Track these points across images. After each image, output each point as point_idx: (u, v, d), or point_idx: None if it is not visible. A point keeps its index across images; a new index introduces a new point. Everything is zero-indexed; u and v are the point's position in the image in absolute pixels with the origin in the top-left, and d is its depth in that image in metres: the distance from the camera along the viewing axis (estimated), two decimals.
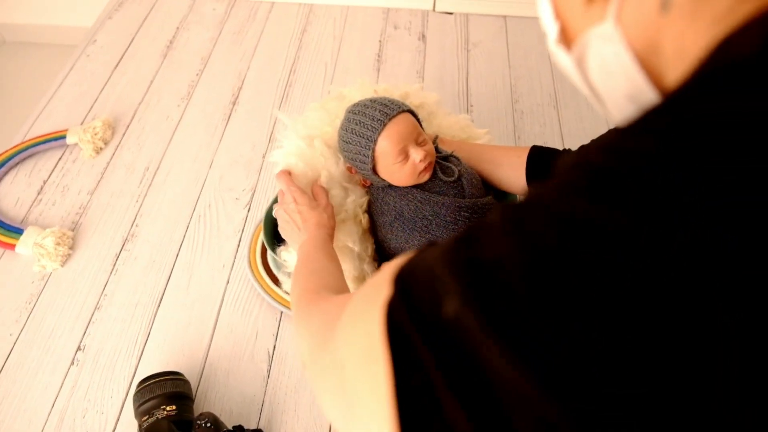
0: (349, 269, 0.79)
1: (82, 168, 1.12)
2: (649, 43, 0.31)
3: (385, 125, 0.75)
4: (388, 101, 0.78)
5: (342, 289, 0.63)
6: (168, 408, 0.72)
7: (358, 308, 0.34)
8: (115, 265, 0.97)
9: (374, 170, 0.78)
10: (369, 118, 0.76)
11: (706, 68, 0.27)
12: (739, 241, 0.21)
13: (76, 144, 1.15)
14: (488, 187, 0.87)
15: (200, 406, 0.81)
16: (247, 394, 0.82)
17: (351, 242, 0.79)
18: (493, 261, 0.24)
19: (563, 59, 0.38)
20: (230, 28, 1.44)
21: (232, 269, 0.96)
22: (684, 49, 0.29)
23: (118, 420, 0.80)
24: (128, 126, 1.20)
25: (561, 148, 0.85)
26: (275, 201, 0.85)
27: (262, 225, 0.94)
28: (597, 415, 0.21)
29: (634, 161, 0.24)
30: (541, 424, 0.21)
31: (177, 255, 0.98)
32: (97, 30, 1.43)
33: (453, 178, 0.79)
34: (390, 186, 0.80)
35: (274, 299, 0.89)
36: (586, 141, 0.75)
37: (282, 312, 0.91)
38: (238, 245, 1.00)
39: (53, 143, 1.14)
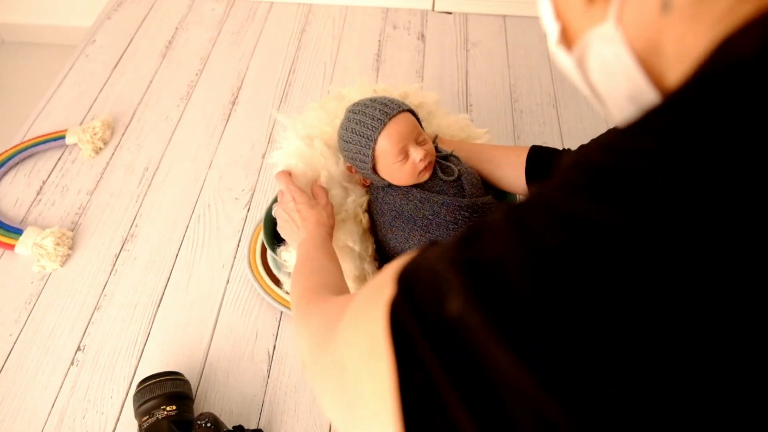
0: (349, 269, 0.79)
1: (81, 168, 1.12)
2: (650, 43, 0.31)
3: (385, 124, 0.75)
4: (388, 101, 0.78)
5: (341, 288, 0.63)
6: (168, 408, 0.72)
7: (360, 309, 0.34)
8: (114, 265, 0.97)
9: (374, 169, 0.78)
10: (369, 118, 0.76)
11: (707, 69, 0.27)
12: (739, 241, 0.21)
13: (75, 144, 1.15)
14: (488, 187, 0.87)
15: (200, 406, 0.81)
16: (247, 394, 0.82)
17: (351, 242, 0.79)
18: (495, 260, 0.24)
19: (564, 60, 0.38)
20: (229, 28, 1.44)
21: (231, 269, 0.96)
22: (684, 50, 0.29)
23: (118, 420, 0.80)
24: (127, 126, 1.20)
25: (560, 148, 0.85)
26: (275, 201, 0.85)
27: (261, 225, 0.94)
28: (597, 415, 0.21)
29: (634, 161, 0.24)
30: (542, 423, 0.21)
31: (176, 255, 0.98)
32: (96, 30, 1.43)
33: (453, 178, 0.79)
34: (390, 185, 0.80)
35: (274, 299, 0.89)
36: (586, 140, 0.75)
37: (282, 312, 0.91)
38: (238, 245, 1.00)
39: (52, 143, 1.14)
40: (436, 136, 0.86)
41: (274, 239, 0.88)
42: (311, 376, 0.45)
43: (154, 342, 0.88)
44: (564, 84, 1.28)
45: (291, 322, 0.89)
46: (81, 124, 1.20)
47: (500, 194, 0.88)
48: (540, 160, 0.83)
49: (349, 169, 0.84)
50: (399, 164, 0.76)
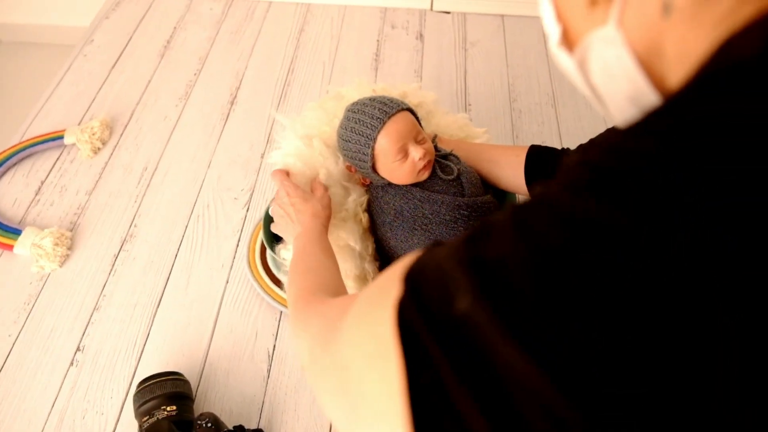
0: (350, 268, 0.79)
1: (80, 168, 1.12)
2: (651, 45, 0.32)
3: (384, 123, 0.75)
4: (388, 100, 0.78)
5: (338, 287, 0.63)
6: (168, 408, 0.72)
7: (364, 309, 0.34)
8: (113, 265, 0.97)
9: (374, 168, 0.78)
10: (368, 117, 0.76)
11: (708, 70, 0.27)
12: (739, 241, 0.21)
13: (73, 144, 1.15)
14: (487, 186, 0.87)
15: (200, 406, 0.81)
16: (247, 394, 0.82)
17: (353, 241, 0.79)
18: (501, 259, 0.24)
19: (565, 61, 0.39)
20: (228, 28, 1.44)
21: (231, 269, 0.96)
22: (685, 52, 0.29)
23: (118, 421, 0.80)
24: (126, 126, 1.20)
25: (559, 147, 0.86)
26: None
27: (261, 224, 0.94)
28: (598, 415, 0.21)
29: (634, 162, 0.24)
30: (550, 418, 0.22)
31: (176, 255, 0.98)
32: (95, 30, 1.43)
33: (452, 177, 0.79)
34: (389, 184, 0.80)
35: (274, 299, 0.89)
36: (585, 140, 0.76)
37: (281, 312, 0.91)
38: (237, 245, 1.00)
39: (51, 143, 1.14)
40: (435, 136, 0.87)
41: (273, 238, 0.88)
42: (312, 377, 0.45)
43: (154, 342, 0.88)
44: (562, 83, 1.28)
45: (289, 322, 0.89)
46: (79, 124, 1.19)
47: (499, 193, 0.88)
48: (539, 159, 0.83)
49: (349, 168, 0.84)
50: (398, 163, 0.76)
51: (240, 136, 1.18)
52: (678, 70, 0.30)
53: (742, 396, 0.20)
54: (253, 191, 1.08)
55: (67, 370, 0.85)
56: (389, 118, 0.76)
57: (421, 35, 1.42)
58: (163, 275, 0.96)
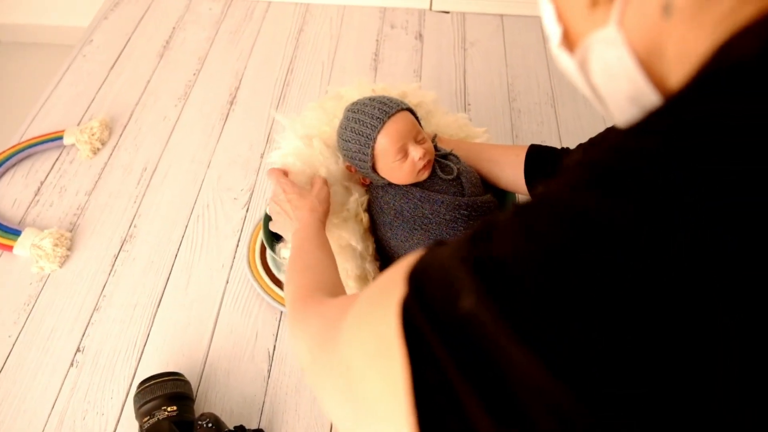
0: (351, 268, 0.79)
1: (79, 169, 1.12)
2: (652, 46, 0.32)
3: (384, 123, 0.75)
4: (387, 99, 0.78)
5: (336, 285, 0.63)
6: (169, 409, 0.72)
7: (366, 309, 0.34)
8: (113, 266, 0.97)
9: (374, 168, 0.78)
10: (368, 117, 0.76)
11: (708, 70, 0.27)
12: (739, 241, 0.21)
13: (73, 145, 1.14)
14: (487, 186, 0.87)
15: (201, 407, 0.81)
16: (248, 394, 0.82)
17: (354, 241, 0.79)
18: (505, 258, 0.25)
19: (566, 62, 0.39)
20: (227, 28, 1.44)
21: (231, 269, 0.96)
22: (685, 52, 0.30)
23: (118, 421, 0.80)
24: (125, 126, 1.20)
25: (559, 147, 0.86)
26: None
27: (261, 224, 0.94)
28: (601, 414, 0.21)
29: (635, 161, 0.24)
30: (555, 416, 0.22)
31: (176, 255, 0.98)
32: (93, 30, 1.43)
33: (452, 177, 0.79)
34: (389, 184, 0.80)
35: (274, 299, 0.89)
36: (584, 139, 0.76)
37: (282, 312, 0.91)
38: (237, 245, 1.00)
39: (50, 144, 1.14)
40: (435, 135, 0.87)
41: (273, 237, 0.88)
42: (312, 377, 0.45)
43: (154, 343, 0.88)
44: (562, 83, 1.28)
45: (287, 322, 0.89)
46: (79, 124, 1.19)
47: (499, 193, 0.88)
48: (539, 158, 0.83)
49: (349, 168, 0.84)
50: (398, 163, 0.76)
51: (239, 136, 1.18)
52: (678, 71, 0.30)
53: (742, 396, 0.20)
54: (252, 191, 1.08)
55: (68, 371, 0.85)
56: (389, 118, 0.76)
57: (420, 35, 1.42)
58: (163, 275, 0.96)
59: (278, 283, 0.91)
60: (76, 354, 0.86)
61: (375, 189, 0.83)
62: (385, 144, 0.76)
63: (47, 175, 1.11)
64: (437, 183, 0.79)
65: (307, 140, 0.84)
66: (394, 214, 0.79)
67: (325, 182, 0.80)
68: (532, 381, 0.22)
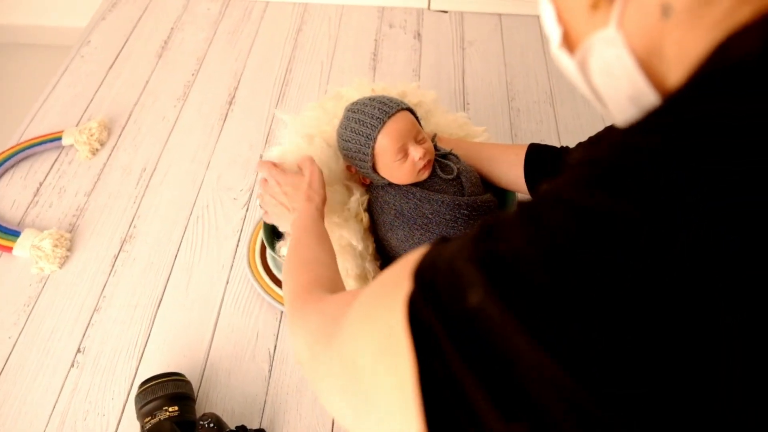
0: (351, 267, 0.79)
1: (78, 169, 1.12)
2: (651, 47, 0.32)
3: (384, 123, 0.75)
4: (387, 99, 0.78)
5: (335, 281, 0.63)
6: (170, 409, 0.72)
7: (370, 305, 0.35)
8: (113, 266, 0.97)
9: (374, 168, 0.79)
10: (368, 116, 0.76)
11: (706, 70, 0.27)
12: (741, 241, 0.21)
13: (71, 145, 1.14)
14: (487, 185, 0.87)
15: (202, 407, 0.81)
16: (249, 394, 0.82)
17: (355, 240, 0.79)
18: (511, 254, 0.25)
19: (566, 62, 0.39)
20: (225, 28, 1.44)
21: (231, 269, 0.96)
22: (684, 53, 0.30)
23: (119, 422, 0.80)
24: (124, 127, 1.20)
25: (558, 146, 0.86)
26: None
27: (261, 224, 0.94)
28: (608, 407, 0.21)
29: (636, 158, 0.25)
30: (566, 404, 0.22)
31: (176, 256, 0.98)
32: (91, 31, 1.43)
33: (452, 176, 0.80)
34: (390, 184, 0.80)
35: (274, 299, 0.89)
36: (583, 138, 0.76)
37: (282, 312, 0.91)
38: (237, 245, 1.00)
39: (49, 145, 1.14)
40: (435, 135, 0.87)
41: (274, 236, 0.88)
42: (311, 373, 0.45)
43: (155, 343, 0.88)
44: (560, 82, 1.28)
45: (286, 318, 0.89)
46: (77, 125, 1.19)
47: (499, 192, 0.88)
48: (538, 157, 0.83)
49: (349, 168, 0.84)
50: (398, 163, 0.76)
51: (239, 136, 1.18)
52: (677, 71, 0.31)
53: (744, 396, 0.20)
54: (252, 191, 1.08)
55: (68, 372, 0.85)
56: (389, 117, 0.76)
57: (418, 34, 1.42)
58: (164, 276, 0.96)
59: (279, 282, 0.91)
60: (76, 355, 0.86)
61: (375, 189, 0.83)
62: (385, 144, 0.76)
63: (46, 176, 1.10)
64: (437, 183, 0.79)
65: (309, 139, 0.84)
66: (394, 214, 0.79)
67: (314, 164, 0.78)
68: (540, 373, 0.22)
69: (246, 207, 1.05)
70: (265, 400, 0.81)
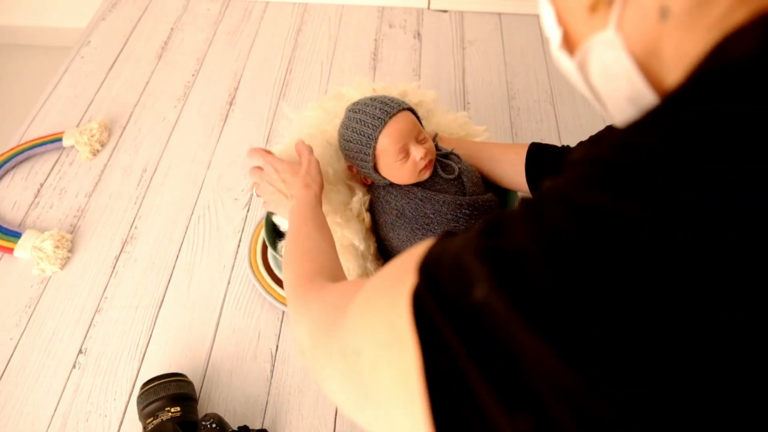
0: (353, 267, 0.79)
1: (79, 170, 1.12)
2: (649, 48, 0.33)
3: (385, 123, 0.75)
4: (389, 99, 0.78)
5: (335, 269, 0.63)
6: (172, 409, 0.72)
7: (374, 297, 0.35)
8: (114, 267, 0.97)
9: (375, 168, 0.79)
10: (370, 117, 0.76)
11: (703, 71, 0.28)
12: (738, 241, 0.21)
13: (72, 146, 1.14)
14: (488, 185, 0.87)
15: (204, 407, 0.81)
16: (251, 395, 0.82)
17: (357, 240, 0.79)
18: (516, 250, 0.25)
19: (566, 63, 0.40)
20: (225, 29, 1.44)
21: (232, 270, 0.96)
22: (682, 54, 0.30)
23: (121, 423, 0.80)
24: (124, 128, 1.20)
25: (558, 145, 0.86)
26: None
27: (262, 224, 0.94)
28: (611, 404, 0.22)
29: (635, 158, 0.25)
30: (568, 402, 0.22)
31: (177, 256, 0.98)
32: (91, 31, 1.43)
33: (453, 176, 0.80)
34: (391, 184, 0.80)
35: (276, 299, 0.89)
36: (583, 137, 0.76)
37: (284, 312, 0.91)
38: (238, 246, 1.00)
39: (49, 146, 1.14)
40: (436, 135, 0.87)
41: (275, 236, 0.88)
42: (312, 362, 0.46)
43: (157, 344, 0.88)
44: (561, 81, 1.28)
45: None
46: (78, 126, 1.19)
47: (500, 192, 0.88)
48: (539, 157, 0.83)
49: (350, 168, 0.84)
50: (400, 163, 0.76)
51: (239, 137, 1.18)
52: (675, 72, 0.31)
53: (742, 396, 0.21)
54: (253, 191, 1.08)
55: (70, 373, 0.85)
56: (390, 117, 0.76)
57: (418, 34, 1.42)
58: (165, 276, 0.96)
59: (280, 282, 0.91)
60: (78, 356, 0.86)
61: (377, 189, 0.83)
62: (386, 144, 0.76)
63: (47, 177, 1.10)
64: (439, 182, 0.79)
65: (310, 138, 0.84)
66: (396, 214, 0.79)
67: (311, 152, 0.78)
68: (544, 369, 0.23)
69: (247, 207, 1.05)
70: (267, 401, 0.81)
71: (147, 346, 0.87)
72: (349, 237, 0.79)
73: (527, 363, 0.23)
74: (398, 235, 0.79)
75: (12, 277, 0.96)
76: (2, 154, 1.11)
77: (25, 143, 1.13)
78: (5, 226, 1.01)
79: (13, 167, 1.11)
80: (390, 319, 0.30)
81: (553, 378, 0.22)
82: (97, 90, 1.28)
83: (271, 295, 0.90)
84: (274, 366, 0.85)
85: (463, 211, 0.77)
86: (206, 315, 0.91)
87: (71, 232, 1.01)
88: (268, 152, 0.81)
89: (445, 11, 1.48)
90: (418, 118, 0.80)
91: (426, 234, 0.77)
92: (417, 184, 0.79)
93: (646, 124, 0.26)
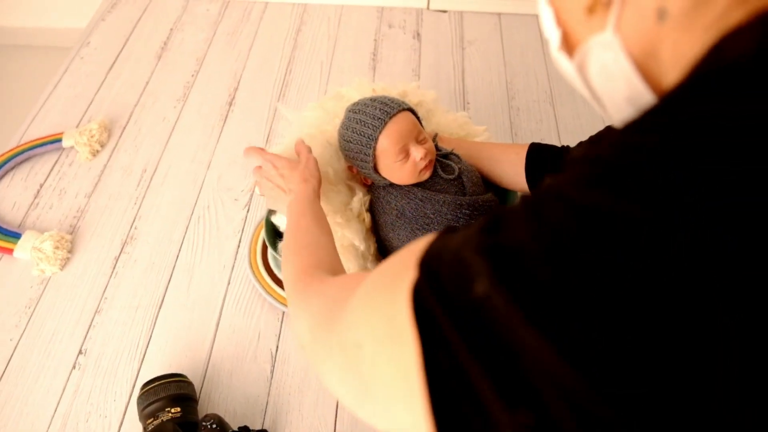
0: (353, 267, 0.79)
1: (78, 171, 1.12)
2: (647, 49, 0.33)
3: (385, 123, 0.75)
4: (389, 100, 0.78)
5: (334, 263, 0.63)
6: (173, 410, 0.72)
7: (375, 292, 0.35)
8: (114, 268, 0.97)
9: (375, 169, 0.79)
10: (370, 117, 0.76)
11: (700, 71, 0.28)
12: (738, 241, 0.21)
13: (72, 147, 1.14)
14: (488, 185, 0.87)
15: (204, 408, 0.81)
16: (251, 395, 0.82)
17: (357, 241, 0.79)
18: (517, 246, 0.25)
19: (565, 64, 0.40)
20: (224, 29, 1.44)
21: (232, 270, 0.96)
22: (680, 55, 0.31)
23: (121, 423, 0.80)
24: (124, 128, 1.20)
25: (558, 145, 0.86)
26: None
27: (262, 224, 0.94)
28: (610, 403, 0.22)
29: (635, 158, 0.25)
30: (568, 400, 0.22)
31: (177, 257, 0.98)
32: (91, 32, 1.43)
33: (453, 176, 0.80)
34: (391, 185, 0.80)
35: (276, 299, 0.89)
36: (583, 137, 0.76)
37: (284, 312, 0.91)
38: (238, 246, 1.00)
39: (49, 146, 1.14)
40: (436, 135, 0.87)
41: (275, 236, 0.88)
42: (312, 356, 0.46)
43: (157, 344, 0.88)
44: (560, 81, 1.28)
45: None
46: (77, 126, 1.19)
47: (500, 192, 0.88)
48: (539, 157, 0.83)
49: (350, 168, 0.84)
50: (400, 163, 0.76)
51: (239, 137, 1.18)
52: (673, 72, 0.31)
53: (742, 396, 0.21)
54: (253, 192, 1.08)
55: (70, 374, 0.85)
56: (390, 118, 0.76)
57: (418, 34, 1.42)
58: (165, 277, 0.96)
59: (280, 283, 0.91)
60: (78, 356, 0.86)
61: (377, 189, 0.83)
62: (386, 144, 0.76)
63: (47, 178, 1.10)
64: (439, 183, 0.79)
65: (310, 138, 0.84)
66: (396, 215, 0.79)
67: (310, 150, 0.79)
68: (544, 365, 0.23)
69: (247, 207, 1.05)
70: (267, 401, 0.81)
71: (147, 347, 0.87)
72: (350, 237, 0.79)
73: (528, 359, 0.23)
74: (398, 236, 0.79)
75: (12, 278, 0.96)
76: (2, 155, 1.11)
77: (25, 144, 1.13)
78: (5, 226, 1.01)
79: (12, 168, 1.11)
80: (390, 314, 0.30)
81: (553, 376, 0.22)
82: (97, 90, 1.28)
83: (271, 295, 0.90)
84: (274, 366, 0.85)
85: (463, 211, 0.77)
86: (206, 315, 0.91)
87: (71, 233, 1.01)
88: (264, 150, 0.81)
89: (444, 11, 1.48)
90: (418, 118, 0.80)
91: (426, 234, 0.77)
92: (417, 185, 0.79)
93: (645, 123, 0.27)
